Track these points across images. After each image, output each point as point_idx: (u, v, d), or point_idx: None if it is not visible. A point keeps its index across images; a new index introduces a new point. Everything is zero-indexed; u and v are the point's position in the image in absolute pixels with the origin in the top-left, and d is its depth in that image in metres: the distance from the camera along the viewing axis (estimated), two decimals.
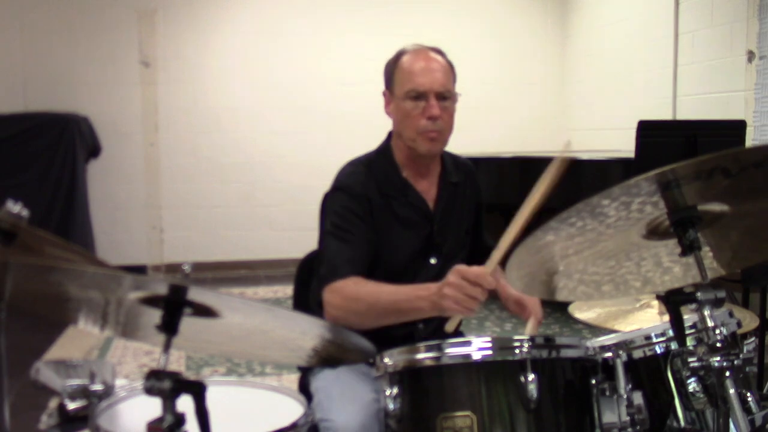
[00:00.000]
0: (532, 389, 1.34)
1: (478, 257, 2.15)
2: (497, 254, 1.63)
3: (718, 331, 1.19)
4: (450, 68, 1.95)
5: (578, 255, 1.30)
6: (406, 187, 1.96)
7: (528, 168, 5.01)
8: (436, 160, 2.01)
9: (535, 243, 1.22)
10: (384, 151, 2.00)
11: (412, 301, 1.69)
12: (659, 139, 3.60)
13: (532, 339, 1.39)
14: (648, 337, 1.49)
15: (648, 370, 1.49)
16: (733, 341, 1.46)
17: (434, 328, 1.90)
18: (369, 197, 1.91)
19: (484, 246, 2.17)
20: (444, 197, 2.01)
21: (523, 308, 1.95)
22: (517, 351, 1.37)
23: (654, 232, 1.27)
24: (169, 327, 1.12)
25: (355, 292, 1.76)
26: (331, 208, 1.93)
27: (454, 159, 2.10)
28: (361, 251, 1.85)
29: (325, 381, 1.84)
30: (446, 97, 1.89)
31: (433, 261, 1.97)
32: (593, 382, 1.43)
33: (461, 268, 1.60)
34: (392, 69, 1.95)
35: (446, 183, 2.02)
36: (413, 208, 1.96)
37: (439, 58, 1.94)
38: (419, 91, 1.87)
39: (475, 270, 1.59)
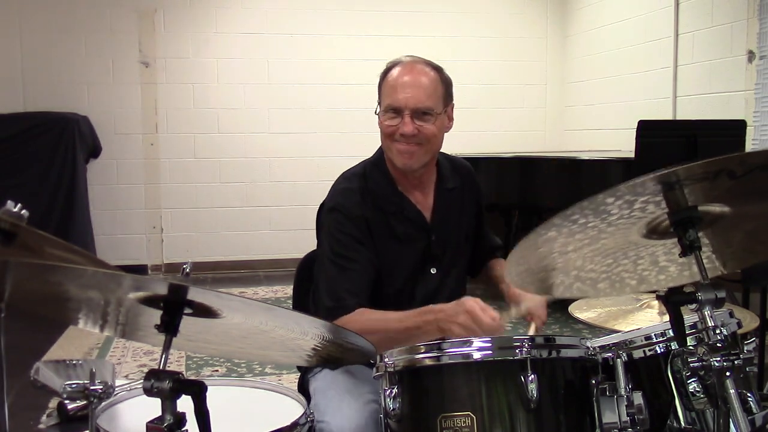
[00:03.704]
0: (532, 389, 1.34)
1: (483, 257, 2.15)
2: (516, 312, 1.76)
3: (718, 331, 1.19)
4: (439, 85, 1.88)
5: (577, 252, 1.30)
6: (402, 201, 1.93)
7: (528, 168, 5.02)
8: (430, 168, 1.97)
9: (536, 239, 1.22)
10: (378, 162, 1.97)
11: (420, 327, 1.69)
12: (659, 139, 3.60)
13: (532, 339, 1.39)
14: (648, 337, 1.49)
15: (648, 370, 1.49)
16: (734, 341, 1.46)
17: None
18: (366, 217, 1.88)
19: (489, 245, 2.16)
20: (441, 206, 1.98)
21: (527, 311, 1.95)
22: (517, 351, 1.37)
23: (654, 232, 1.27)
24: (169, 327, 1.12)
25: (362, 326, 1.69)
26: (328, 230, 1.90)
27: (452, 162, 2.07)
28: (363, 278, 1.84)
29: (322, 382, 1.83)
30: (425, 113, 1.84)
31: (433, 271, 1.95)
32: (593, 382, 1.43)
33: (475, 311, 1.61)
34: (381, 82, 1.93)
35: (442, 191, 1.99)
36: (410, 223, 1.93)
37: (429, 72, 1.88)
38: (395, 106, 1.85)
39: (489, 322, 1.60)
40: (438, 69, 1.91)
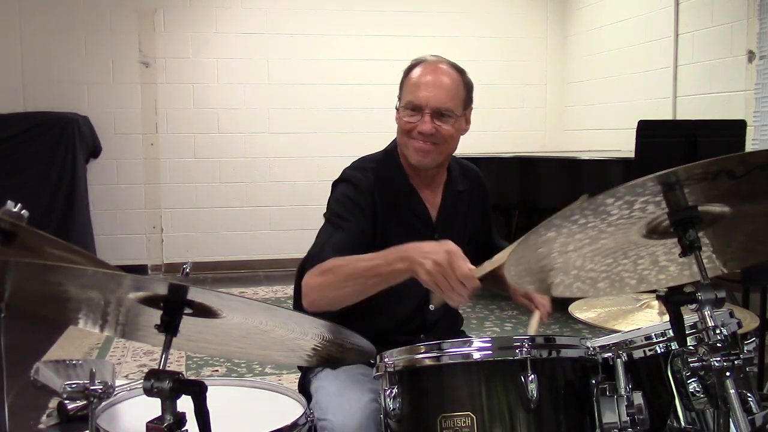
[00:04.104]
0: (532, 389, 1.34)
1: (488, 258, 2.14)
2: (489, 265, 1.59)
3: (718, 331, 1.19)
4: (461, 87, 1.90)
5: (577, 252, 1.30)
6: (411, 194, 1.95)
7: (528, 168, 5.01)
8: (442, 169, 1.99)
9: (536, 239, 1.22)
10: (390, 153, 1.99)
11: (390, 262, 1.61)
12: (659, 139, 3.61)
13: (532, 339, 1.39)
14: (648, 337, 1.49)
15: (648, 370, 1.49)
16: (734, 341, 1.46)
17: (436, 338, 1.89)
18: (375, 197, 1.90)
19: (497, 248, 2.16)
20: (448, 207, 2.00)
21: (531, 299, 1.94)
22: (517, 351, 1.37)
23: (654, 232, 1.27)
24: (169, 327, 1.12)
25: (331, 265, 1.69)
26: (335, 195, 1.92)
27: (462, 166, 2.09)
28: (351, 239, 1.82)
29: (324, 381, 1.84)
30: (444, 114, 1.85)
31: None
32: (593, 382, 1.43)
33: (455, 253, 1.53)
34: (403, 78, 1.94)
35: (451, 192, 2.01)
36: (416, 216, 1.95)
37: (452, 73, 1.89)
38: (415, 104, 1.86)
39: (465, 269, 1.52)
40: (461, 71, 1.93)
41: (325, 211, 1.98)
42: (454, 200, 2.01)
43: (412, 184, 1.96)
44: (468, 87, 1.93)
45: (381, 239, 1.89)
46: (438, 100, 1.85)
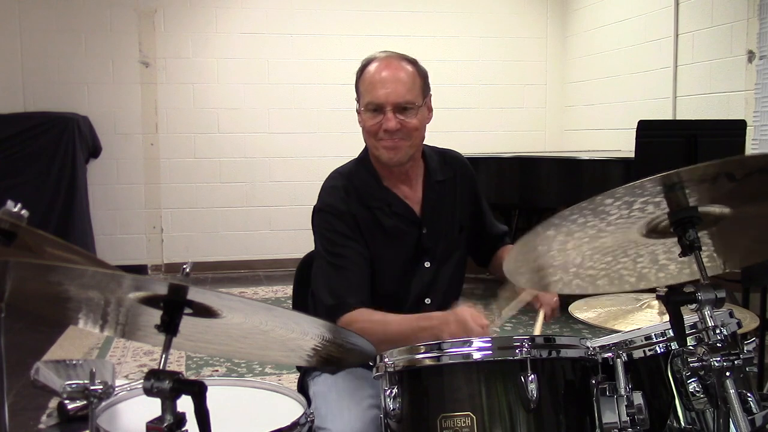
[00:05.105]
0: (532, 389, 1.34)
1: (491, 244, 2.13)
2: (506, 312, 1.75)
3: (718, 331, 1.19)
4: (417, 78, 1.88)
5: (576, 250, 1.30)
6: (388, 196, 1.93)
7: (528, 168, 5.02)
8: (416, 161, 1.97)
9: (535, 237, 1.22)
10: (363, 160, 1.97)
11: (416, 332, 1.70)
12: (659, 139, 3.61)
13: (531, 339, 1.39)
14: (648, 337, 1.49)
15: (648, 370, 1.49)
16: (734, 341, 1.46)
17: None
18: (353, 213, 1.89)
19: (495, 232, 2.13)
20: (430, 199, 1.97)
21: (535, 299, 1.94)
22: (517, 351, 1.37)
23: (653, 231, 1.27)
24: (169, 327, 1.12)
25: (364, 328, 1.73)
26: (319, 230, 1.92)
27: (442, 155, 2.06)
28: (359, 275, 1.84)
29: (322, 386, 1.83)
30: (406, 108, 1.84)
31: (427, 264, 1.94)
32: (593, 382, 1.43)
33: (468, 317, 1.65)
34: (357, 80, 1.93)
35: (431, 183, 1.98)
36: (398, 217, 1.93)
37: (405, 66, 1.88)
38: (376, 103, 1.84)
39: (478, 332, 1.62)
40: (413, 62, 1.92)
41: (313, 237, 1.97)
42: (436, 191, 1.98)
43: (387, 186, 1.93)
44: (423, 76, 1.92)
45: (371, 250, 1.89)
46: (397, 95, 1.83)
